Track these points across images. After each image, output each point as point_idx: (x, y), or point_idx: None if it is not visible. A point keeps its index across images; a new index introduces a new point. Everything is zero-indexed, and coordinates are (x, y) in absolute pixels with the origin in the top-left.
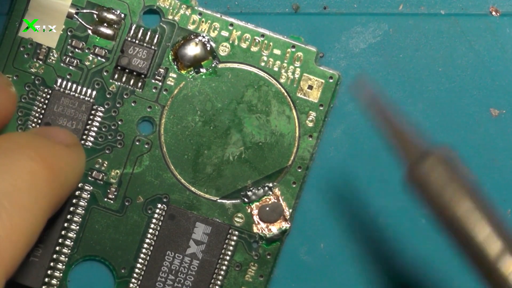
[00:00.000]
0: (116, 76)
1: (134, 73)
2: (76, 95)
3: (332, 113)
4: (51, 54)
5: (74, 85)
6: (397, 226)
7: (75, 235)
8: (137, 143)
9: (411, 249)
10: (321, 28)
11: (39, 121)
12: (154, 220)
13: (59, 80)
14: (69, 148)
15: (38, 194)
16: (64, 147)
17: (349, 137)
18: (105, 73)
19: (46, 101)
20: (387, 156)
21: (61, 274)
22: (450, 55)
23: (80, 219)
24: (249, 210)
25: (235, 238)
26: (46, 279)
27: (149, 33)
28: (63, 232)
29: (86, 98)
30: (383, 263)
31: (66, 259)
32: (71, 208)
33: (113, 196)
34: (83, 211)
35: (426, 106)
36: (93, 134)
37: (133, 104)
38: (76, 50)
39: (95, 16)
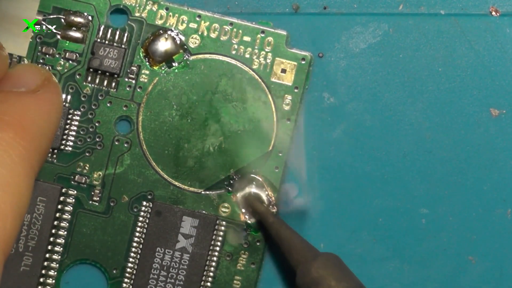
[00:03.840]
0: (89, 78)
1: (107, 73)
2: None
3: (332, 113)
4: (22, 62)
5: None
6: (397, 226)
7: (63, 241)
8: (117, 143)
9: (411, 249)
10: (321, 28)
11: None
12: (140, 218)
13: None
14: (37, 95)
15: (13, 163)
16: (31, 96)
17: (349, 137)
18: (78, 77)
19: None
20: (387, 156)
21: (53, 281)
22: (450, 55)
23: (67, 224)
24: (234, 199)
25: (223, 228)
26: (39, 287)
27: (118, 33)
28: (51, 239)
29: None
30: (383, 261)
31: (57, 265)
32: (57, 214)
33: (98, 198)
34: (70, 216)
35: (426, 106)
36: (72, 138)
37: (108, 105)
38: (47, 56)
39: (62, 20)
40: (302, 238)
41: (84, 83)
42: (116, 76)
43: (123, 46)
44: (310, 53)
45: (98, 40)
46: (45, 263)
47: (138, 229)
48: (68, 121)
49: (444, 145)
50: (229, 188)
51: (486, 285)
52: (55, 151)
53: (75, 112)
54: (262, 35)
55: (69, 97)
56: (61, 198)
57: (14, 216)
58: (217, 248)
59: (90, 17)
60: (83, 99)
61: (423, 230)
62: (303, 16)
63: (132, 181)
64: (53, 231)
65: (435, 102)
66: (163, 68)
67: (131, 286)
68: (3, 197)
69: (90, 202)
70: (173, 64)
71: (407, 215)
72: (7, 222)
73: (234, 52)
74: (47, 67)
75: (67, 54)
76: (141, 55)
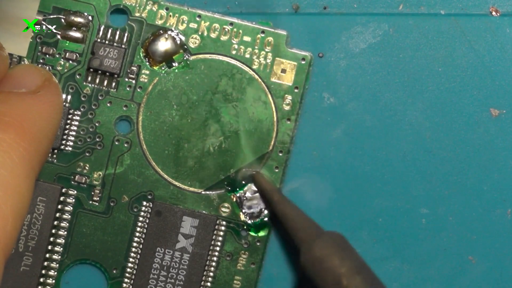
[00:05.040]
0: (89, 78)
1: (107, 73)
2: None
3: (332, 113)
4: (22, 62)
5: None
6: (397, 226)
7: (63, 241)
8: (117, 143)
9: (411, 249)
10: (321, 28)
11: None
12: (141, 218)
13: None
14: (37, 96)
15: (14, 164)
16: (31, 96)
17: (349, 137)
18: (78, 77)
19: None
20: (387, 156)
21: (53, 281)
22: (450, 55)
23: (67, 224)
24: (234, 199)
25: (223, 228)
26: (39, 287)
27: (118, 33)
28: (51, 239)
29: None
30: (383, 261)
31: (57, 265)
32: (57, 214)
33: (98, 198)
34: (70, 216)
35: (426, 106)
36: (72, 138)
37: (108, 105)
38: (47, 56)
39: (62, 20)
40: (307, 216)
41: (84, 83)
42: (116, 76)
43: (123, 46)
44: (310, 53)
45: (98, 40)
46: (45, 263)
47: (138, 229)
48: (68, 121)
49: (444, 145)
50: (229, 188)
51: (486, 285)
52: (55, 151)
53: (75, 112)
54: (262, 35)
55: (69, 97)
56: (61, 198)
57: (14, 217)
58: (217, 248)
59: (90, 17)
60: (83, 99)
61: (423, 230)
62: (303, 16)
63: (132, 181)
64: (53, 231)
65: (435, 102)
66: (163, 68)
67: (131, 286)
68: (4, 198)
69: (90, 202)
70: (173, 64)
71: (407, 215)
72: (8, 223)
73: (234, 52)
74: (47, 67)
75: (67, 54)
76: (141, 55)
